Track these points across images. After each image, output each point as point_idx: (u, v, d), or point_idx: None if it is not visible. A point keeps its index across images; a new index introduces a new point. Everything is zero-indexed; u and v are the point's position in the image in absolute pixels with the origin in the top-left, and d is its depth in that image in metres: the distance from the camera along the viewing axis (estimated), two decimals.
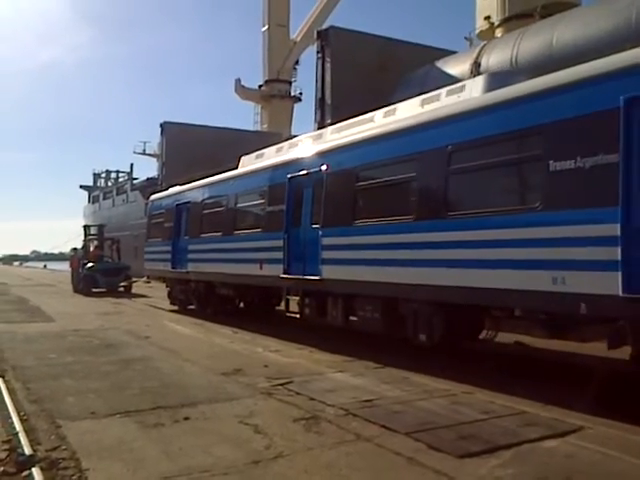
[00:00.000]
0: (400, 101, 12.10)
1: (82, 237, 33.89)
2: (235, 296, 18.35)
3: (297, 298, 14.22)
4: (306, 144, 14.68)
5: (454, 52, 24.47)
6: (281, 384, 8.76)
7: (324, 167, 12.68)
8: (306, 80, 74.61)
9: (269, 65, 60.56)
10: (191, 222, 19.71)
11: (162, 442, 6.18)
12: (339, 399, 7.80)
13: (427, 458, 5.59)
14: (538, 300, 7.98)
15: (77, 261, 32.02)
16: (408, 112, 11.34)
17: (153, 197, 25.37)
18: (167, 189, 24.02)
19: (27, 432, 6.38)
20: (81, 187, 78.94)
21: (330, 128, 14.60)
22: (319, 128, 22.56)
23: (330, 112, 23.13)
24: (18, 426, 6.56)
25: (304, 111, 71.10)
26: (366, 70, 22.66)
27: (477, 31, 36.60)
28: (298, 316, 14.21)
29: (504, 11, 32.52)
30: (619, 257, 6.86)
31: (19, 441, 6.06)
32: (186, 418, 7.02)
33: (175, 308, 21.32)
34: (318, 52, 24.21)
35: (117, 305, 23.10)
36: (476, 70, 19.67)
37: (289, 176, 13.91)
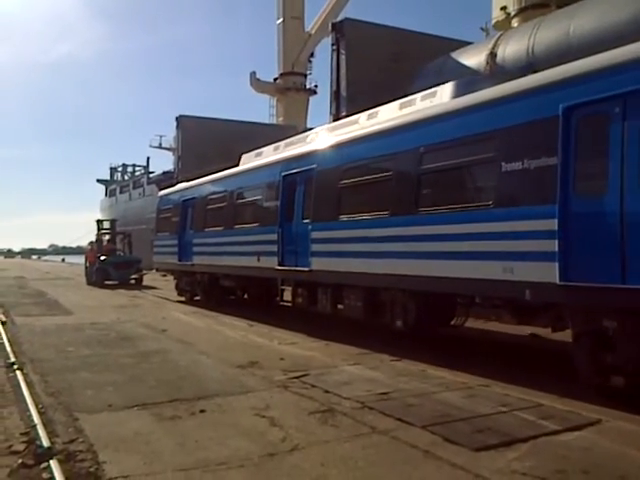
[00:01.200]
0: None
1: (112, 230, 34.72)
2: (237, 287, 19.33)
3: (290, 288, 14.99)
4: (300, 143, 15.48)
5: (470, 43, 24.26)
6: (297, 377, 8.77)
7: (313, 166, 13.62)
8: (321, 72, 74.30)
9: (284, 58, 60.35)
10: (196, 217, 20.71)
11: (178, 434, 6.21)
12: (355, 392, 7.80)
13: (443, 451, 5.57)
14: (492, 288, 8.94)
15: (93, 254, 32.53)
16: (388, 115, 12.18)
17: (161, 193, 26.52)
18: (178, 184, 24.70)
19: (45, 424, 6.43)
20: (98, 181, 79.41)
21: (321, 128, 15.51)
22: (334, 120, 22.49)
23: (345, 104, 23.00)
24: (36, 418, 6.61)
25: (319, 104, 70.87)
26: (381, 62, 22.50)
27: (493, 22, 36.24)
28: (291, 305, 15.05)
29: (520, 1, 32.17)
30: (556, 249, 7.69)
31: (37, 433, 6.11)
32: (202, 411, 7.05)
33: (183, 299, 22.08)
34: (333, 44, 24.04)
35: (133, 298, 23.27)
36: (492, 61, 19.46)
37: (283, 174, 14.86)
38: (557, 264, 7.70)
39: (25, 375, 8.98)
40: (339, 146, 13.14)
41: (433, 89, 11.46)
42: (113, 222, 35.92)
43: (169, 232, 23.15)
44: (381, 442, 5.92)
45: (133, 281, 30.80)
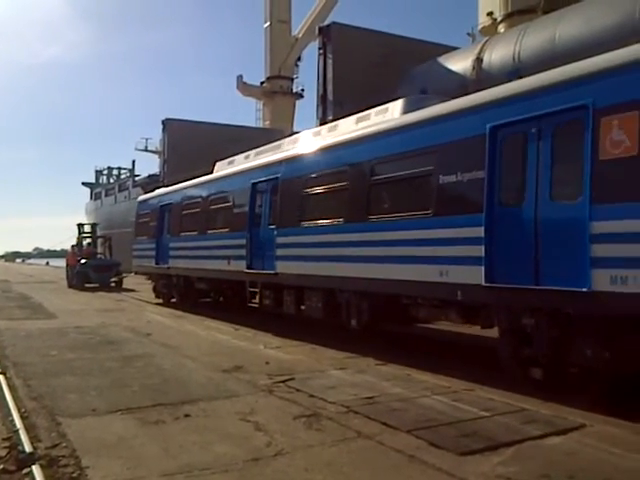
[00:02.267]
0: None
1: (93, 233, 35.53)
2: (211, 290, 19.97)
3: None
4: (268, 152, 16.23)
5: (457, 48, 24.36)
6: (282, 381, 8.75)
7: (278, 175, 14.54)
8: (308, 76, 74.42)
9: (271, 61, 60.30)
10: (172, 222, 21.54)
11: (162, 439, 6.17)
12: (340, 396, 7.79)
13: (428, 456, 5.57)
14: (430, 289, 9.76)
15: (74, 257, 33.09)
16: (346, 128, 13.05)
17: (140, 198, 27.55)
18: (162, 188, 25.12)
19: (27, 429, 6.38)
20: (83, 184, 78.87)
21: (287, 139, 16.18)
22: (321, 124, 22.52)
23: (332, 108, 23.01)
24: (18, 423, 6.56)
25: (306, 107, 70.92)
26: (368, 66, 22.50)
27: (479, 27, 36.45)
28: (257, 306, 15.82)
29: (507, 6, 32.34)
30: (483, 254, 8.54)
31: (19, 438, 6.06)
32: (187, 415, 7.02)
33: (161, 301, 22.70)
34: (320, 48, 24.02)
35: (118, 302, 23.15)
36: (478, 66, 19.55)
37: (252, 182, 15.71)
38: (483, 267, 8.56)
39: (8, 379, 8.91)
40: (301, 157, 14.07)
41: (385, 105, 12.20)
42: (94, 226, 36.69)
43: (147, 236, 23.92)
44: (366, 446, 5.91)
45: (113, 284, 31.33)
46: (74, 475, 5.20)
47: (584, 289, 7.22)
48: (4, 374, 9.19)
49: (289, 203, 14.00)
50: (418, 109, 10.90)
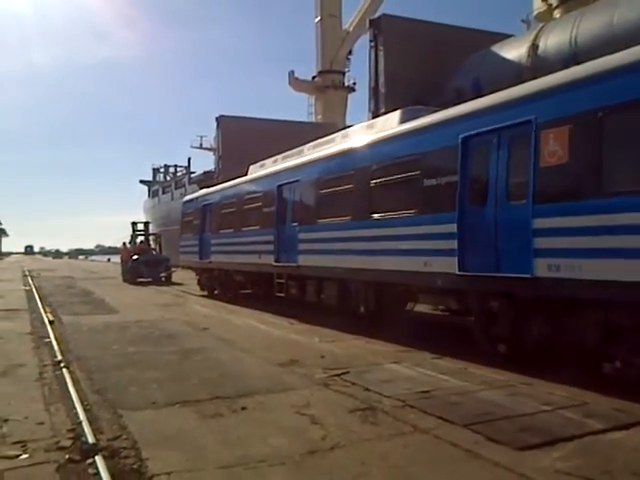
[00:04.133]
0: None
1: (139, 232, 37.15)
2: (246, 281, 21.46)
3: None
4: (293, 158, 17.81)
5: (511, 36, 23.85)
6: (337, 375, 8.76)
7: (299, 178, 16.24)
8: (360, 70, 74.12)
9: (322, 56, 60.28)
10: (212, 220, 23.49)
11: (220, 432, 6.27)
12: (395, 390, 7.76)
13: (486, 450, 5.50)
14: (417, 278, 11.23)
15: (127, 254, 34.96)
16: (355, 135, 14.63)
17: (185, 199, 29.81)
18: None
19: (90, 421, 6.55)
20: (141, 182, 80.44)
21: (307, 145, 17.47)
22: (373, 117, 22.44)
23: (384, 101, 22.88)
24: (82, 415, 6.75)
25: (359, 101, 70.67)
26: (420, 57, 22.26)
27: (534, 13, 35.56)
28: (283, 295, 16.96)
29: None
30: (456, 247, 10.02)
31: (83, 430, 6.23)
32: (243, 408, 7.10)
33: (205, 293, 24.47)
34: (371, 41, 23.90)
35: (176, 297, 23.61)
36: (534, 53, 19.11)
37: (277, 184, 17.45)
38: (456, 258, 10.01)
39: (71, 373, 9.15)
40: (316, 162, 15.69)
41: (387, 115, 14.01)
42: (147, 224, 38.60)
43: (191, 234, 25.97)
44: (422, 441, 5.88)
45: (163, 278, 32.77)
46: (135, 466, 5.34)
47: (529, 275, 8.63)
48: (68, 368, 9.46)
49: (307, 203, 15.85)
50: (414, 119, 12.17)
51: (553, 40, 18.57)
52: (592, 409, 6.76)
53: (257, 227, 18.74)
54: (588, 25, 17.27)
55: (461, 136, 10.16)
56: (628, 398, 6.98)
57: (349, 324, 13.33)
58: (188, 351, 11.02)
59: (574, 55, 16.99)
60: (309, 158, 16.23)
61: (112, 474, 5.11)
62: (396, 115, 13.18)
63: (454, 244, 10.07)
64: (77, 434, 6.16)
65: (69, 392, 7.90)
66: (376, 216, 12.54)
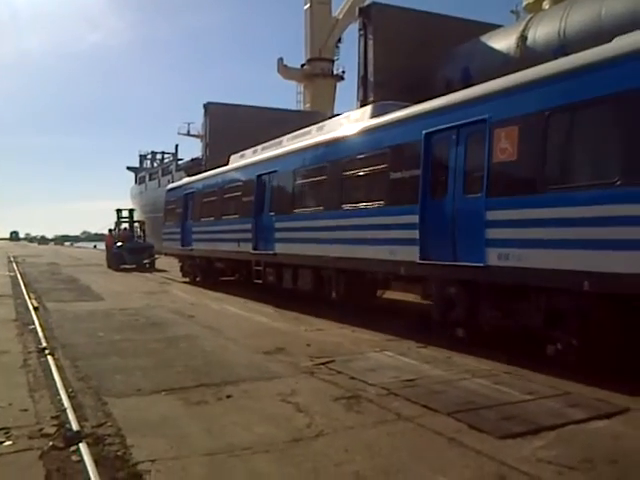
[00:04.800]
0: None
1: (123, 219, 37.78)
2: (227, 269, 22.06)
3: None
4: (272, 148, 18.26)
5: (500, 26, 23.84)
6: (323, 363, 8.80)
7: (277, 168, 16.80)
8: (349, 58, 73.77)
9: (311, 43, 59.93)
10: (194, 208, 24.04)
11: (205, 419, 6.29)
12: (380, 378, 7.81)
13: (468, 438, 5.56)
14: (383, 265, 11.96)
15: (111, 240, 35.61)
16: (331, 128, 15.06)
17: (168, 187, 30.64)
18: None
19: (75, 408, 6.55)
20: (128, 168, 79.80)
21: (287, 136, 17.82)
22: (362, 106, 22.41)
23: (373, 89, 22.81)
24: (66, 402, 6.74)
25: (347, 89, 70.43)
26: (409, 46, 22.15)
27: (524, 4, 35.67)
28: (261, 282, 17.57)
29: None
30: (417, 237, 10.64)
31: (67, 417, 6.24)
32: (229, 396, 7.13)
33: (187, 280, 24.93)
34: (360, 29, 23.76)
35: (162, 284, 23.57)
36: (522, 44, 19.09)
37: (257, 174, 17.94)
38: (418, 248, 10.62)
39: (56, 360, 9.13)
40: (292, 153, 16.23)
41: (361, 109, 14.89)
42: (131, 211, 38.97)
43: (174, 221, 26.54)
44: (406, 429, 5.93)
45: (147, 265, 33.09)
46: (119, 453, 5.34)
47: (481, 264, 9.21)
48: (52, 355, 9.43)
49: (284, 193, 16.37)
50: (384, 114, 12.64)
51: (542, 31, 18.56)
52: (574, 399, 6.83)
53: (237, 216, 19.31)
54: (576, 17, 17.27)
55: (424, 132, 10.71)
56: (609, 388, 7.06)
57: (335, 313, 13.36)
58: (173, 339, 11.02)
59: (562, 47, 16.98)
60: (286, 149, 16.83)
61: (96, 461, 5.11)
62: (368, 110, 13.87)
63: (416, 234, 10.69)
64: (61, 421, 6.17)
65: (53, 379, 7.89)
66: (347, 207, 13.16)
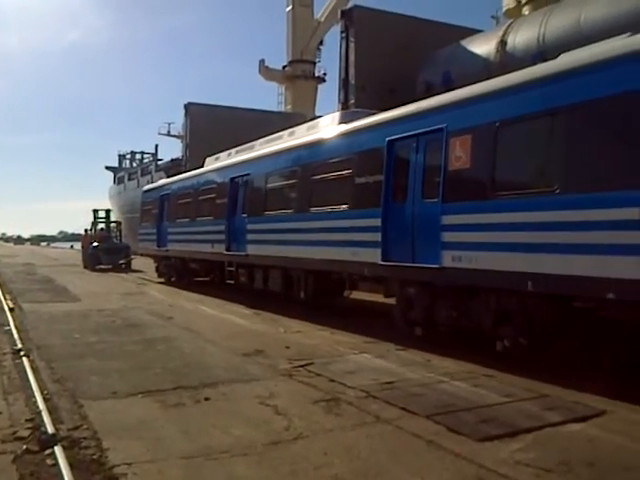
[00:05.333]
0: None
1: (100, 219, 37.82)
2: (201, 269, 22.30)
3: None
4: (246, 152, 18.77)
5: (480, 31, 23.99)
6: (302, 365, 8.77)
7: (249, 172, 17.30)
8: (330, 60, 73.86)
9: (293, 45, 60.02)
10: (169, 209, 24.46)
11: (182, 422, 6.24)
12: (360, 381, 7.80)
13: (447, 441, 5.56)
14: (347, 267, 12.54)
15: (87, 241, 35.81)
16: (301, 134, 15.63)
17: (144, 188, 31.11)
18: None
19: (50, 411, 6.47)
20: (106, 168, 79.15)
21: (259, 140, 18.33)
22: (342, 108, 22.47)
23: (354, 92, 22.87)
24: (41, 405, 6.66)
25: (328, 91, 70.55)
26: (391, 49, 22.22)
27: (504, 9, 35.95)
28: (233, 282, 18.11)
29: None
30: (380, 239, 11.10)
31: (42, 420, 6.16)
32: (207, 398, 7.08)
33: (163, 280, 25.17)
34: (342, 32, 23.78)
35: (139, 285, 23.39)
36: (502, 49, 19.23)
37: (230, 177, 18.38)
38: (380, 249, 11.08)
39: (31, 362, 9.03)
40: (265, 157, 16.72)
41: (329, 115, 15.10)
42: (108, 212, 39.05)
43: (150, 222, 26.86)
44: (385, 431, 5.92)
45: (123, 265, 33.17)
46: (95, 456, 5.28)
47: (437, 265, 9.69)
48: (28, 356, 9.32)
49: (256, 196, 16.81)
50: (351, 121, 13.20)
51: (521, 37, 18.71)
52: (551, 401, 6.88)
53: (211, 217, 19.71)
54: (556, 23, 17.43)
55: (387, 139, 11.21)
56: (586, 390, 7.12)
57: (314, 315, 13.35)
58: (151, 340, 10.94)
59: (541, 52, 17.14)
60: (258, 153, 17.35)
61: (71, 464, 5.05)
62: (336, 116, 14.44)
63: (378, 237, 11.18)
64: (36, 424, 6.08)
65: (29, 381, 7.80)
66: (315, 210, 13.65)
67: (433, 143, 10.20)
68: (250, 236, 16.68)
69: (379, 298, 12.87)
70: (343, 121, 13.63)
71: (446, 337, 10.19)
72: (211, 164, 21.57)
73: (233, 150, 20.04)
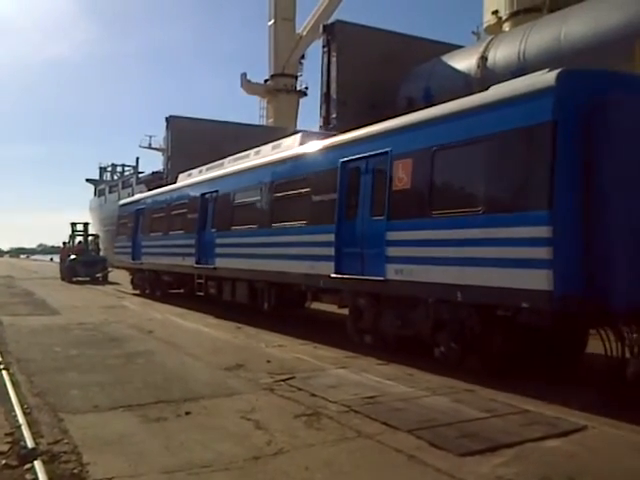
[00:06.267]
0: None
1: (78, 232, 38.30)
2: (174, 282, 22.68)
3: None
4: (216, 169, 19.57)
5: (461, 46, 24.27)
6: (283, 380, 8.76)
7: (217, 189, 18.11)
8: (312, 74, 74.24)
9: (275, 59, 60.16)
10: (144, 223, 25.18)
11: (164, 436, 6.21)
12: (341, 395, 7.80)
13: (428, 456, 5.58)
14: (306, 279, 13.11)
15: (65, 253, 36.13)
16: (266, 153, 16.41)
17: (120, 202, 32.62)
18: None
19: (30, 425, 6.42)
20: (87, 180, 78.84)
21: (228, 158, 19.15)
22: (324, 123, 22.61)
23: (335, 106, 23.02)
24: (21, 419, 6.61)
25: (310, 105, 70.86)
26: (372, 64, 22.43)
27: (484, 25, 36.30)
28: (203, 294, 18.66)
29: (512, 5, 32.09)
30: (333, 253, 11.89)
31: (22, 434, 6.12)
32: (188, 413, 7.05)
33: (138, 292, 25.58)
34: (324, 46, 23.99)
35: (121, 299, 23.23)
36: (483, 65, 19.49)
37: (200, 193, 19.22)
38: (333, 263, 11.87)
39: (11, 375, 8.95)
40: (232, 174, 17.61)
41: (291, 137, 15.81)
42: (86, 225, 39.56)
43: (126, 236, 27.47)
44: (366, 446, 5.93)
45: (100, 278, 33.77)
46: (75, 471, 5.24)
47: (382, 278, 10.48)
48: (7, 370, 9.23)
49: (224, 211, 17.56)
50: (310, 142, 14.12)
51: (502, 53, 18.99)
52: (532, 417, 6.92)
53: (182, 231, 20.49)
54: (536, 39, 17.71)
55: (340, 160, 12.07)
56: (567, 405, 7.19)
57: (297, 330, 13.35)
58: (132, 354, 10.86)
59: (522, 69, 17.37)
60: (226, 171, 18.31)
61: (51, 479, 5.01)
62: (297, 138, 15.23)
63: (332, 251, 11.96)
64: (16, 438, 6.03)
65: (8, 395, 7.73)
66: (276, 225, 14.52)
67: (380, 165, 11.04)
68: (218, 250, 17.47)
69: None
70: (304, 142, 14.53)
71: (392, 344, 10.94)
72: (184, 180, 22.45)
73: (204, 167, 20.89)
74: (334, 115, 22.37)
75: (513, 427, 6.49)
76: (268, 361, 10.26)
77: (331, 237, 12.01)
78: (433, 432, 6.25)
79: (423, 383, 8.63)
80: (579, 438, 6.19)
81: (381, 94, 21.56)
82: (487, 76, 18.62)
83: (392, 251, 10.45)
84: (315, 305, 15.27)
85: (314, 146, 13.70)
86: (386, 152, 10.82)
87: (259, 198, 15.57)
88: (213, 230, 17.98)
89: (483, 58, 19.58)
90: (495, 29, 32.63)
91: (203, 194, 19.01)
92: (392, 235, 10.48)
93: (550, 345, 9.05)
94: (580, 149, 7.97)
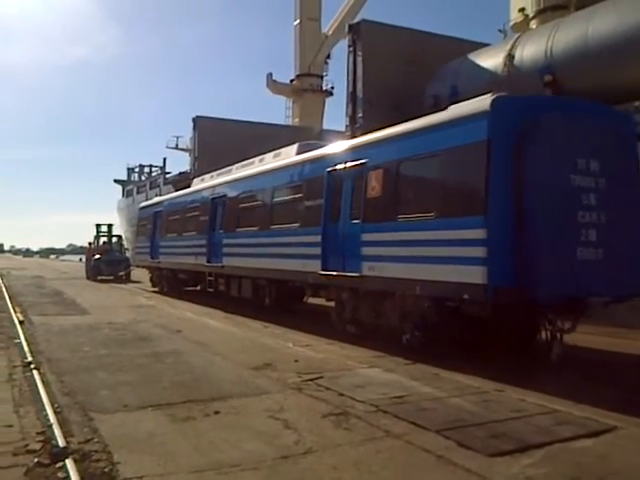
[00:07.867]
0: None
1: (109, 232, 40.56)
2: (188, 280, 24.43)
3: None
4: (224, 175, 21.40)
5: (488, 44, 24.03)
6: (311, 379, 8.77)
7: (225, 193, 19.87)
8: (338, 74, 74.15)
9: (301, 59, 60.14)
10: (161, 225, 27.18)
11: (193, 436, 6.24)
12: (369, 395, 7.79)
13: (457, 456, 5.55)
14: (299, 276, 14.69)
15: (90, 253, 38.08)
16: (268, 161, 18.06)
17: (140, 205, 34.91)
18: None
19: (61, 424, 6.47)
20: (115, 181, 79.67)
21: (237, 165, 20.82)
22: (351, 122, 22.57)
23: (362, 106, 22.92)
24: (52, 418, 6.66)
25: (336, 105, 70.66)
26: (398, 63, 22.28)
27: (511, 23, 35.87)
28: (212, 290, 20.39)
29: (539, 3, 31.69)
30: (320, 252, 13.39)
31: (53, 433, 6.16)
32: (216, 412, 7.08)
33: (157, 289, 27.39)
34: (349, 46, 23.88)
35: (148, 299, 23.44)
36: (510, 63, 19.26)
37: (211, 197, 21.10)
38: (320, 261, 13.33)
39: (42, 375, 9.04)
40: (238, 180, 19.38)
41: (290, 146, 17.18)
42: (110, 226, 41.29)
43: (145, 236, 29.62)
44: (395, 446, 5.91)
45: (123, 277, 35.70)
46: (106, 470, 5.29)
47: (359, 274, 11.96)
48: (38, 369, 9.34)
49: (231, 214, 19.27)
50: (306, 152, 15.70)
51: (529, 50, 18.74)
52: (562, 416, 6.85)
53: (195, 233, 22.23)
54: (563, 37, 17.46)
55: (327, 169, 13.61)
56: (598, 406, 7.10)
57: (323, 329, 13.35)
58: (160, 354, 10.95)
59: (549, 66, 17.21)
60: (233, 177, 20.04)
61: (82, 478, 5.06)
62: (294, 147, 16.80)
63: (319, 250, 13.42)
64: (47, 437, 6.09)
65: (39, 394, 7.79)
66: (274, 227, 16.16)
67: (358, 175, 12.49)
68: (225, 249, 19.25)
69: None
70: (300, 152, 16.16)
71: (371, 333, 12.17)
72: (197, 184, 24.41)
73: (215, 173, 22.73)
74: (360, 114, 22.27)
75: (543, 427, 6.43)
76: (296, 360, 10.29)
77: (318, 238, 13.51)
78: (462, 432, 6.22)
79: (451, 383, 8.59)
80: (610, 439, 6.12)
81: (408, 92, 21.43)
82: (514, 74, 18.43)
83: (366, 250, 11.92)
84: (322, 302, 15.78)
85: (306, 156, 15.38)
86: (363, 163, 12.33)
87: (260, 202, 17.28)
88: (221, 231, 19.75)
89: (510, 56, 19.32)
90: (522, 27, 32.23)
91: (213, 198, 20.80)
92: (366, 236, 11.95)
93: (501, 334, 10.14)
94: (512, 163, 9.32)
